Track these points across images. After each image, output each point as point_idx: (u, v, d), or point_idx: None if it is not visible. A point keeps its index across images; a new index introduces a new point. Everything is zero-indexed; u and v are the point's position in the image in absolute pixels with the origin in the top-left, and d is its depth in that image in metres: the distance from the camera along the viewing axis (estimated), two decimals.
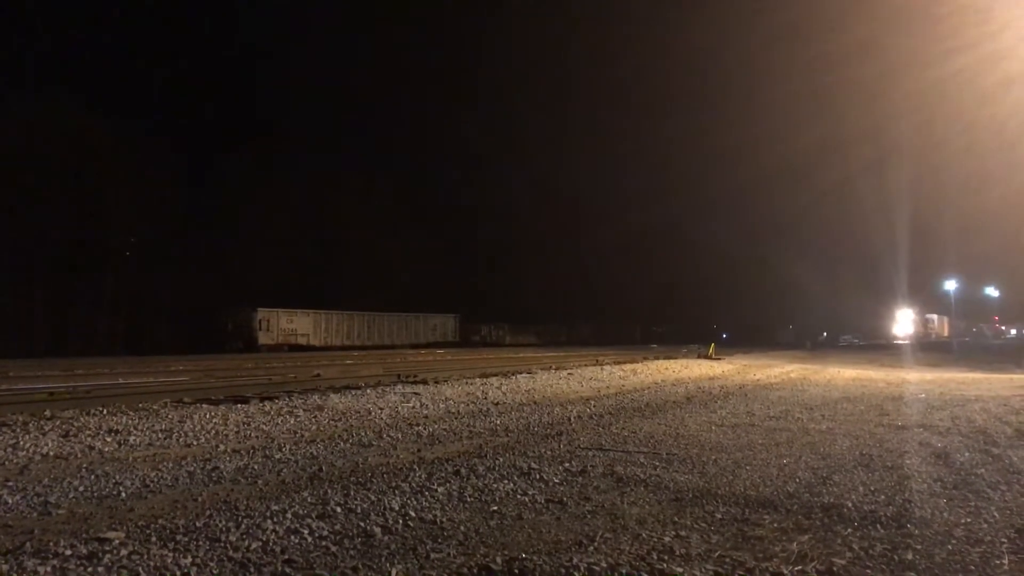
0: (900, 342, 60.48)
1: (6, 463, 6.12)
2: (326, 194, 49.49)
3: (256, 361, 25.23)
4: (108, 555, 3.72)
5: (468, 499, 5.01)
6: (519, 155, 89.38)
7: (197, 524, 4.30)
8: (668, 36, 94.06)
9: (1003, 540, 4.11)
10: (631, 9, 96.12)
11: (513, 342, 54.69)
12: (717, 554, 3.83)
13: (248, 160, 46.23)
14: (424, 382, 14.49)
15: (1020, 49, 29.38)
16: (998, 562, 3.75)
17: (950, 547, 3.96)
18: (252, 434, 7.79)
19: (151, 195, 38.55)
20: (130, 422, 8.35)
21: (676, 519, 4.53)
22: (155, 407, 9.69)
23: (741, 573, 3.56)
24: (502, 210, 65.78)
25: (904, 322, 69.94)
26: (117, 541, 3.94)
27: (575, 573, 3.55)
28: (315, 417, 9.10)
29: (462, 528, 4.31)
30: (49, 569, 3.52)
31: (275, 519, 4.41)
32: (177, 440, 7.35)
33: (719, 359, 27.34)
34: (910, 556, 3.81)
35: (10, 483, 5.35)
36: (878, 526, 4.37)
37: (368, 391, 12.46)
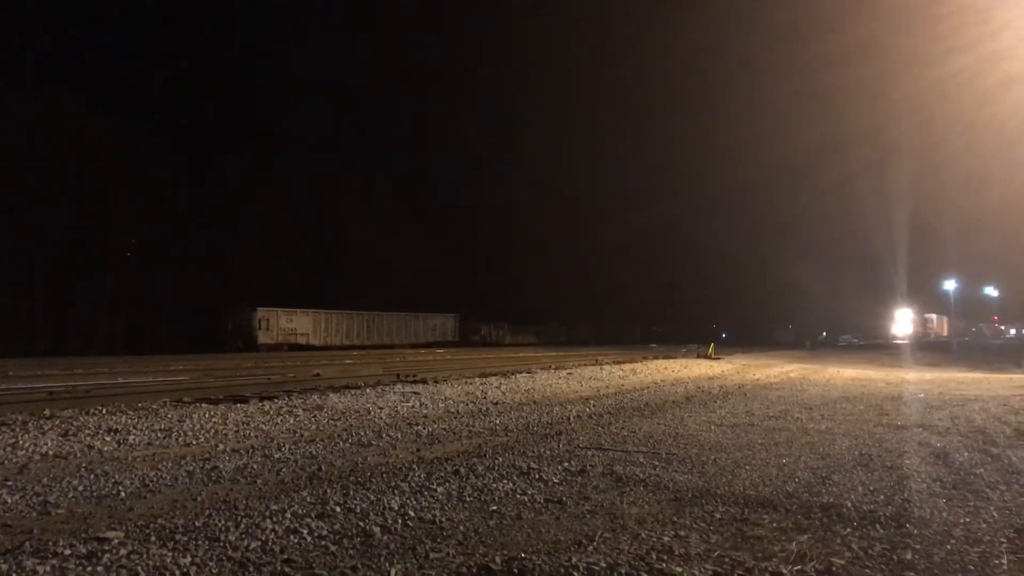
0: (899, 342, 60.50)
1: (5, 462, 6.12)
2: (326, 194, 49.52)
3: (255, 361, 25.23)
4: (107, 554, 3.72)
5: (467, 499, 5.02)
6: (519, 155, 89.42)
7: (196, 523, 4.30)
8: (668, 36, 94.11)
9: (1002, 540, 4.11)
10: (631, 9, 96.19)
11: (513, 342, 54.70)
12: (716, 554, 3.83)
13: (248, 160, 46.25)
14: (423, 382, 14.49)
15: (1020, 49, 29.40)
16: (997, 562, 3.75)
17: (949, 547, 3.97)
18: (251, 434, 7.79)
19: (151, 195, 38.57)
20: (129, 421, 8.35)
21: (675, 519, 4.53)
22: (154, 406, 9.69)
23: (740, 573, 3.56)
24: (502, 210, 65.83)
25: (903, 322, 69.95)
26: (116, 540, 3.94)
27: (574, 573, 3.55)
28: (314, 417, 9.10)
29: (461, 528, 4.31)
30: (48, 568, 3.52)
31: (274, 519, 4.41)
32: (176, 439, 7.35)
33: (718, 359, 27.34)
34: (909, 556, 3.81)
35: (9, 482, 5.35)
36: (877, 526, 4.38)
37: (367, 391, 12.46)
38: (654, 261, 73.41)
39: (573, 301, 66.11)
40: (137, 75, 49.56)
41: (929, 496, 5.17)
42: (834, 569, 3.62)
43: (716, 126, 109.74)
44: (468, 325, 52.04)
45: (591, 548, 3.93)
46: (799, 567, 3.63)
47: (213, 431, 7.86)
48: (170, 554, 3.76)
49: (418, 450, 6.95)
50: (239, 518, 4.42)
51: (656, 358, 26.74)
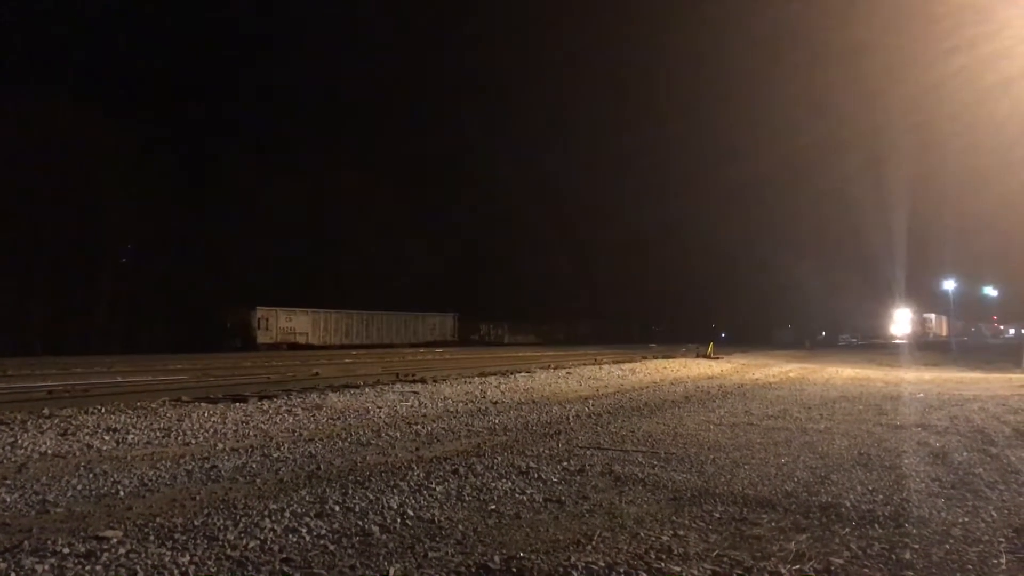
0: (898, 342, 60.52)
1: (4, 461, 6.12)
2: (326, 194, 49.46)
3: (255, 360, 25.23)
4: (106, 553, 3.72)
5: (466, 498, 5.02)
6: (519, 155, 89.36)
7: (195, 523, 4.30)
8: (668, 36, 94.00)
9: (1001, 539, 4.12)
10: (631, 9, 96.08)
11: (512, 341, 54.72)
12: (715, 553, 3.84)
13: (247, 159, 46.24)
14: (423, 381, 14.49)
15: (1019, 49, 29.38)
16: (996, 561, 3.75)
17: (948, 546, 3.97)
18: (250, 433, 7.79)
19: (150, 194, 38.53)
20: (128, 420, 8.35)
21: (674, 518, 4.53)
22: (153, 406, 9.69)
23: (739, 572, 3.57)
24: (502, 210, 65.70)
25: (902, 322, 69.98)
26: (115, 539, 3.94)
27: (573, 572, 3.55)
28: (313, 416, 9.10)
29: (460, 527, 4.31)
30: (47, 567, 3.52)
31: (273, 518, 4.41)
32: (175, 439, 7.34)
33: (718, 358, 27.36)
34: (908, 555, 3.82)
35: (8, 481, 5.34)
36: (876, 525, 4.38)
37: (367, 390, 12.46)
38: (653, 261, 73.37)
39: (572, 300, 66.11)
40: (137, 75, 49.45)
41: (928, 496, 5.18)
42: (833, 568, 3.62)
43: (716, 126, 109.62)
44: (467, 324, 52.03)
45: (590, 547, 3.93)
46: (798, 566, 3.63)
47: (212, 430, 7.86)
48: (169, 553, 3.75)
49: (417, 449, 6.95)
50: (238, 517, 4.42)
51: (655, 357, 26.75)
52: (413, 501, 4.89)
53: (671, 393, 13.24)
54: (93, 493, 5.06)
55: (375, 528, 4.25)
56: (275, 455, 6.53)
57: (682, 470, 6.06)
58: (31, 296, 34.44)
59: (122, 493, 5.06)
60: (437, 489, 5.23)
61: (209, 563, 3.63)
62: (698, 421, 9.20)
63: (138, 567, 3.54)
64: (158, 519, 4.36)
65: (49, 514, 4.53)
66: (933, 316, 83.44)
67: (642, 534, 4.19)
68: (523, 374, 16.97)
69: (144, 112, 43.07)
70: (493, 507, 4.79)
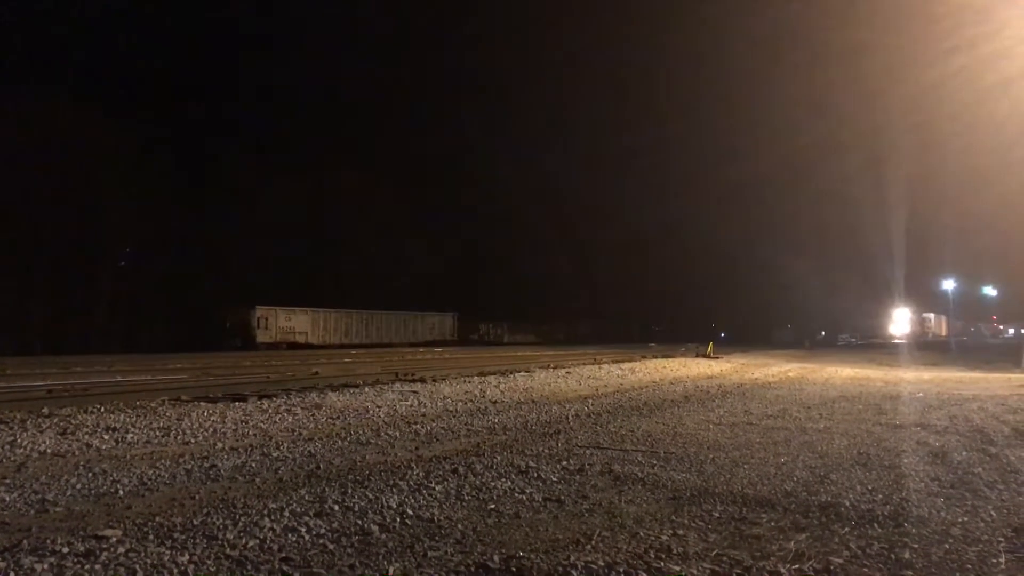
0: (898, 341, 60.51)
1: (3, 460, 6.12)
2: (325, 193, 49.45)
3: (254, 359, 25.22)
4: (105, 553, 3.72)
5: (466, 497, 5.02)
6: (519, 155, 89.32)
7: (194, 522, 4.30)
8: (668, 36, 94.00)
9: (1000, 539, 4.12)
10: (631, 9, 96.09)
11: (511, 340, 54.73)
12: (715, 553, 3.84)
13: (247, 159, 46.22)
14: (422, 380, 14.49)
15: (1018, 49, 29.40)
16: (995, 561, 3.75)
17: (947, 546, 3.97)
18: (250, 432, 7.79)
19: (150, 194, 38.53)
20: (128, 420, 8.34)
21: (674, 518, 4.53)
22: (153, 405, 9.69)
23: (738, 572, 3.57)
24: (502, 209, 65.71)
25: (902, 321, 69.95)
26: (114, 539, 3.94)
27: (572, 571, 3.55)
28: (313, 415, 9.10)
29: (460, 526, 4.31)
30: (46, 567, 3.52)
31: (273, 517, 4.41)
32: (175, 438, 7.34)
33: (717, 358, 27.36)
34: (907, 555, 3.82)
35: (7, 480, 5.34)
36: (875, 525, 4.38)
37: (366, 389, 12.46)
38: (653, 260, 73.43)
39: (572, 300, 66.13)
40: (137, 74, 49.44)
41: (927, 495, 5.18)
42: (832, 568, 3.62)
43: (716, 126, 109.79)
44: (467, 324, 52.04)
45: (589, 547, 3.93)
46: (797, 566, 3.63)
47: (212, 429, 7.86)
48: (168, 552, 3.75)
49: (416, 448, 6.95)
50: (237, 516, 4.42)
51: (655, 357, 26.75)
52: (412, 500, 4.89)
53: (670, 393, 13.24)
54: (92, 492, 5.05)
55: (374, 527, 4.25)
56: (274, 454, 6.53)
57: (681, 469, 6.06)
58: (31, 296, 34.45)
59: (121, 492, 5.06)
60: (436, 488, 5.23)
61: (208, 562, 3.63)
62: (697, 420, 9.20)
63: (137, 566, 3.54)
64: (157, 518, 4.36)
65: (48, 513, 4.53)
66: (932, 316, 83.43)
67: (641, 533, 4.19)
68: (522, 373, 16.97)
69: (144, 112, 43.10)
70: (492, 506, 4.79)
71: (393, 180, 56.25)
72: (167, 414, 8.88)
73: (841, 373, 19.67)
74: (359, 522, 4.35)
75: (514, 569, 3.58)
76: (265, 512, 4.51)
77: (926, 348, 45.39)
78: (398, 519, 4.43)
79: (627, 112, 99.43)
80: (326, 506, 4.68)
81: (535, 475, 5.75)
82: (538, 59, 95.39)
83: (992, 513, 4.67)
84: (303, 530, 4.16)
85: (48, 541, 3.88)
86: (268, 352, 33.59)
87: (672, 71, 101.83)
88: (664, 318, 74.20)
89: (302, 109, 62.47)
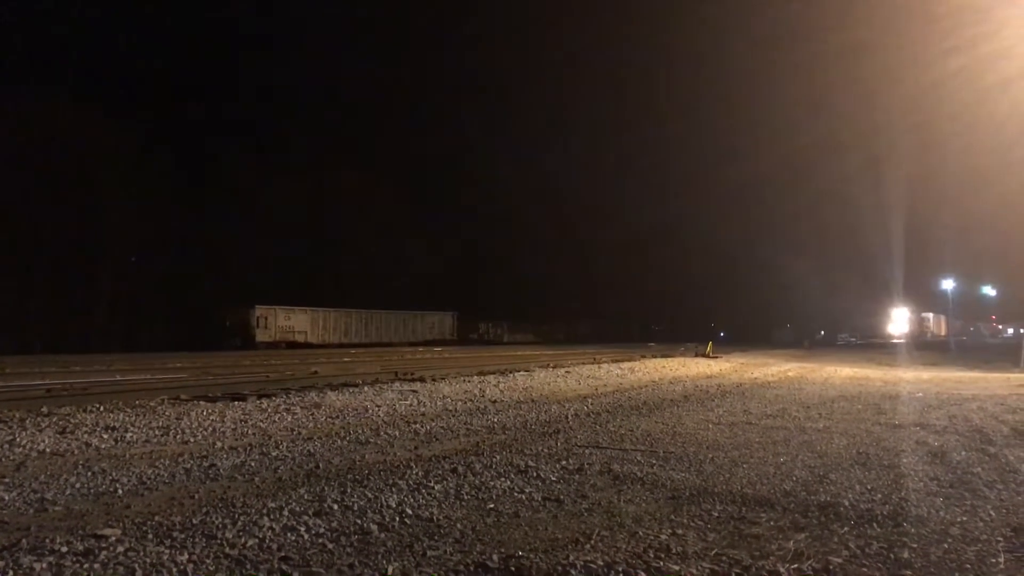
0: (897, 341, 60.50)
1: (3, 459, 6.11)
2: (325, 193, 49.45)
3: (254, 359, 25.22)
4: (104, 552, 3.72)
5: (465, 497, 5.02)
6: (519, 155, 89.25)
7: (194, 521, 4.30)
8: (668, 36, 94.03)
9: (999, 539, 4.12)
10: (631, 9, 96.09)
11: (511, 340, 54.74)
12: (714, 552, 3.84)
13: (247, 159, 46.20)
14: (421, 380, 14.49)
15: (1018, 49, 29.39)
16: (994, 560, 3.75)
17: (946, 545, 3.97)
18: (249, 431, 7.79)
19: (150, 194, 38.52)
20: (127, 419, 8.34)
21: (673, 517, 4.53)
22: (152, 404, 9.68)
23: (738, 571, 3.57)
24: (502, 209, 65.72)
25: (901, 321, 69.94)
26: (113, 538, 3.94)
27: (572, 571, 3.55)
28: (312, 414, 9.10)
29: (459, 526, 4.31)
30: (45, 566, 3.52)
31: (272, 516, 4.41)
32: (174, 437, 7.34)
33: (717, 358, 27.36)
34: (906, 554, 3.82)
35: (6, 479, 5.34)
36: (874, 524, 4.38)
37: (366, 389, 12.45)
38: (653, 260, 73.41)
39: (572, 300, 66.14)
40: (137, 74, 49.41)
41: (926, 495, 5.18)
42: (831, 567, 3.62)
43: (716, 126, 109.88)
44: (466, 323, 52.04)
45: (588, 546, 3.93)
46: (796, 565, 3.63)
47: (211, 429, 7.86)
48: (167, 551, 3.75)
49: (416, 448, 6.95)
50: (236, 516, 4.42)
51: (654, 357, 26.75)
52: (412, 500, 4.89)
53: (670, 392, 13.24)
54: (91, 491, 5.05)
55: (374, 527, 4.25)
56: (274, 453, 6.52)
57: (681, 469, 6.06)
58: (31, 296, 34.42)
59: (120, 491, 5.06)
60: (436, 488, 5.23)
61: (207, 561, 3.63)
62: (697, 420, 9.20)
63: (136, 565, 3.54)
64: (156, 517, 4.36)
65: (47, 512, 4.53)
66: (932, 315, 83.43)
67: (641, 533, 4.19)
68: (522, 373, 16.97)
69: (144, 112, 43.08)
70: (492, 506, 4.79)
71: (393, 180, 56.32)
72: (166, 413, 8.88)
73: (840, 373, 19.67)
74: (358, 521, 4.35)
75: (513, 568, 3.58)
76: (264, 511, 4.51)
77: (925, 348, 45.40)
78: (397, 518, 4.43)
79: (627, 112, 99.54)
80: (325, 505, 4.68)
81: (534, 474, 5.75)
82: (538, 59, 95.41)
83: (991, 513, 4.67)
84: (302, 529, 4.16)
85: (47, 540, 3.88)
86: (267, 351, 33.59)
87: (672, 71, 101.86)
88: (664, 318, 74.25)
89: (302, 109, 62.49)
